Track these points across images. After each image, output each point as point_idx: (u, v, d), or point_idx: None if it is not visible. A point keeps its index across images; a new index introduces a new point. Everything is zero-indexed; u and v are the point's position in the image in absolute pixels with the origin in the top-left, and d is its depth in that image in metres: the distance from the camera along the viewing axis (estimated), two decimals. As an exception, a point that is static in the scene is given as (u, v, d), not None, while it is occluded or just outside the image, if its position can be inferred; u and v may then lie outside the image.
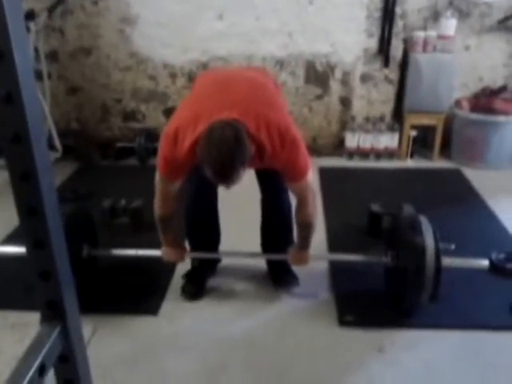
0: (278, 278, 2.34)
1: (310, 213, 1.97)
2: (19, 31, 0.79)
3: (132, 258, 2.59)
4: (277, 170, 1.88)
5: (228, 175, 1.64)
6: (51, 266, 0.89)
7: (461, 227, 2.81)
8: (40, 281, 0.92)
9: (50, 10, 3.58)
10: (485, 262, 2.15)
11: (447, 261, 1.99)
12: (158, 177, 1.90)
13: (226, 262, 2.48)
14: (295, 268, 2.31)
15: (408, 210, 2.21)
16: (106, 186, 3.44)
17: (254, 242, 2.33)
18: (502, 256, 2.49)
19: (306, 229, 2.04)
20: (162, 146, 1.81)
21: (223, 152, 1.59)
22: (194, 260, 2.37)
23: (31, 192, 0.89)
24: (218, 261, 2.46)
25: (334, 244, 2.70)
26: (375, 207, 2.73)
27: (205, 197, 2.20)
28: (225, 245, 2.40)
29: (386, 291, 2.28)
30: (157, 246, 2.69)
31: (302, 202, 1.95)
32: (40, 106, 0.82)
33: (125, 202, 2.81)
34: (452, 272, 2.43)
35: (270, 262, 2.39)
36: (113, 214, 2.79)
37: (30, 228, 0.91)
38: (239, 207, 2.74)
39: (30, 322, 2.02)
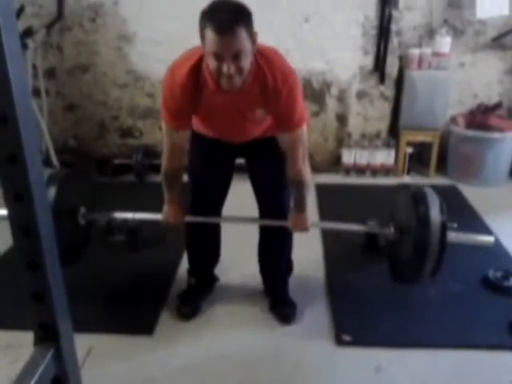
0: (276, 309, 2.27)
1: (299, 169, 1.89)
2: (15, 53, 0.79)
3: (127, 276, 2.58)
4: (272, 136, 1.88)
5: (230, 27, 1.52)
6: (45, 288, 0.88)
7: (457, 244, 2.80)
8: (33, 302, 0.91)
9: (48, 27, 3.61)
10: (490, 239, 2.10)
11: (452, 235, 1.94)
12: (164, 129, 1.88)
13: (223, 281, 2.46)
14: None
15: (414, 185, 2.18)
16: (103, 201, 3.42)
17: (252, 255, 2.33)
18: (499, 274, 2.49)
19: (299, 187, 1.96)
20: (162, 88, 1.81)
21: (225, 1, 1.57)
22: (190, 278, 2.35)
23: (26, 212, 0.89)
24: (214, 280, 2.44)
25: (330, 261, 2.69)
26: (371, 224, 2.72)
27: (206, 223, 2.20)
28: (224, 262, 2.40)
29: (389, 264, 2.25)
30: (154, 263, 2.71)
31: (292, 156, 1.87)
32: (35, 127, 0.82)
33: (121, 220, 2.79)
34: (448, 289, 2.43)
35: (266, 284, 2.36)
36: (109, 231, 2.77)
37: (24, 248, 0.90)
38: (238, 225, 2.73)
39: (25, 342, 1.99)
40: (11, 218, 0.89)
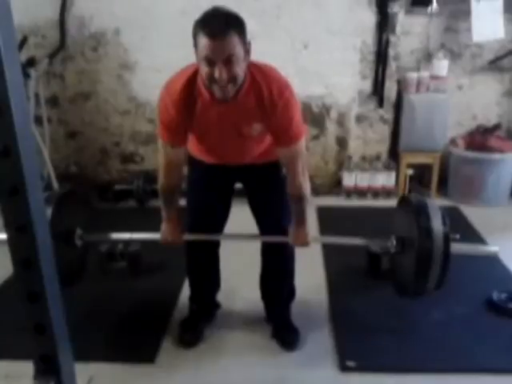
0: (279, 336, 2.24)
1: (299, 183, 1.88)
2: (18, 88, 0.80)
3: (128, 303, 2.56)
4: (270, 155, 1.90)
5: (221, 31, 1.53)
6: (45, 320, 0.88)
7: (460, 266, 2.78)
8: (34, 334, 0.90)
9: (51, 57, 3.67)
10: (495, 248, 2.08)
11: (455, 246, 1.90)
12: (160, 146, 1.88)
13: (224, 307, 2.43)
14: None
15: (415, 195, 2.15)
16: (104, 227, 3.42)
17: (254, 281, 2.31)
18: (503, 296, 2.47)
19: (299, 201, 1.93)
20: (158, 103, 1.81)
21: (218, 10, 1.59)
22: (192, 304, 2.33)
23: (27, 244, 0.89)
24: (216, 307, 2.42)
25: (333, 285, 2.67)
26: (374, 247, 2.71)
27: (205, 249, 2.19)
28: (225, 289, 2.39)
29: (392, 278, 2.22)
30: (155, 290, 2.69)
31: (292, 171, 1.86)
32: (37, 156, 0.83)
33: (122, 246, 2.79)
34: (452, 312, 2.40)
35: (268, 310, 2.34)
36: (110, 258, 2.77)
37: (25, 280, 0.90)
38: (239, 251, 2.72)
39: (25, 373, 1.97)
40: (12, 249, 0.89)
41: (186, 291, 2.47)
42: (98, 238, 2.37)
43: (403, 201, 2.17)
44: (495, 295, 2.46)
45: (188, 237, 2.10)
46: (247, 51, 1.65)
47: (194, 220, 2.12)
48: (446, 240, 1.86)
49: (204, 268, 2.27)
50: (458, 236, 1.95)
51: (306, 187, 1.92)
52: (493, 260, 2.90)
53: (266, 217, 2.12)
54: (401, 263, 2.11)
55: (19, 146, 0.81)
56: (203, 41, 1.56)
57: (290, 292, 2.31)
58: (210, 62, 1.58)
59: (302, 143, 1.84)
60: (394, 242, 2.10)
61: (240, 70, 1.62)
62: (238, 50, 1.59)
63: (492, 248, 2.08)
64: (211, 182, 2.07)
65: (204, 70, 1.61)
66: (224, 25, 1.55)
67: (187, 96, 1.74)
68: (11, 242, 0.90)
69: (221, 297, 2.41)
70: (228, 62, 1.58)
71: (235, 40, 1.57)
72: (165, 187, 1.96)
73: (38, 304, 0.88)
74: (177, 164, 1.91)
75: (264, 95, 1.72)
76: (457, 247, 1.92)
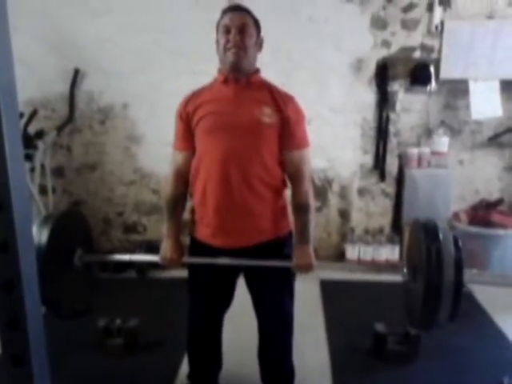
0: None
1: (306, 190, 1.88)
2: (20, 183, 0.81)
3: (125, 382, 2.46)
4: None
5: (240, 9, 1.82)
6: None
7: (468, 348, 2.70)
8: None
9: (59, 129, 3.76)
10: None
11: (469, 274, 1.76)
12: (171, 158, 1.98)
13: (226, 369, 2.30)
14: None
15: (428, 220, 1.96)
16: (103, 300, 3.36)
17: (254, 362, 2.23)
18: (515, 381, 2.36)
19: (303, 213, 1.89)
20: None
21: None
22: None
23: (18, 339, 0.86)
24: (218, 369, 2.26)
25: (337, 366, 2.56)
26: (379, 327, 2.63)
27: (208, 327, 2.11)
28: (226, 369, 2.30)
29: (406, 308, 2.07)
30: (152, 368, 2.59)
31: (298, 177, 1.87)
32: (34, 253, 0.82)
33: (120, 321, 2.72)
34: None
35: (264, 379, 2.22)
36: (107, 334, 2.69)
37: (10, 344, 0.86)
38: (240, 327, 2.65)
39: None
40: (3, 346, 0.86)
41: (184, 370, 2.37)
42: (98, 258, 2.38)
43: (414, 224, 2.04)
44: (506, 381, 2.36)
45: (187, 260, 2.02)
46: (259, 44, 1.86)
47: (192, 340, 2.12)
48: (459, 267, 1.71)
49: (206, 343, 2.14)
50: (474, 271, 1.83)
51: (311, 197, 1.91)
52: (501, 340, 2.82)
53: (266, 298, 2.04)
54: (412, 292, 1.96)
55: (18, 241, 0.81)
56: (224, 18, 1.80)
57: (290, 372, 2.19)
58: (227, 30, 1.78)
59: (309, 153, 1.90)
60: (405, 270, 1.99)
61: (251, 45, 1.80)
62: (252, 29, 1.80)
63: (510, 279, 1.92)
64: (212, 288, 2.01)
65: (221, 42, 1.79)
66: (242, 9, 1.84)
67: (194, 97, 1.90)
68: (2, 337, 0.88)
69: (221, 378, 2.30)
70: (242, 31, 1.77)
71: (250, 21, 1.81)
72: (169, 196, 1.98)
73: (23, 369, 0.84)
74: (183, 172, 1.93)
75: (276, 95, 1.85)
76: (471, 276, 1.80)
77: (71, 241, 2.17)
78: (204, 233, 1.95)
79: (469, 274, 1.77)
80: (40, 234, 1.95)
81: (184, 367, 2.41)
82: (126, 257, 2.35)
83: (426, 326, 1.92)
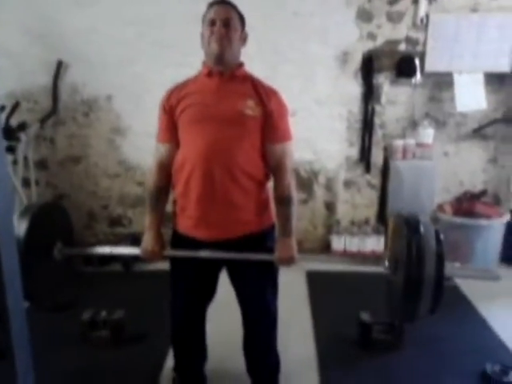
0: None
1: (288, 182, 1.89)
2: (1, 175, 0.79)
3: (111, 374, 2.45)
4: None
5: (225, 2, 1.83)
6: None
7: (452, 336, 2.73)
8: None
9: (42, 122, 3.71)
10: (495, 274, 1.95)
11: (450, 268, 1.76)
12: (154, 150, 1.97)
13: (211, 381, 2.32)
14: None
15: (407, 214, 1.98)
16: (89, 293, 3.34)
17: (240, 354, 2.23)
18: (497, 368, 2.39)
19: (286, 205, 1.89)
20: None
21: None
22: (175, 377, 2.23)
23: (1, 333, 0.85)
24: (203, 380, 2.27)
25: (323, 357, 2.58)
26: (364, 316, 2.65)
27: (191, 319, 2.10)
28: (212, 362, 2.30)
29: (387, 300, 2.09)
30: (138, 361, 2.58)
31: (281, 170, 1.88)
32: (15, 246, 0.80)
33: (105, 313, 2.70)
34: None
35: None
36: (92, 326, 2.67)
37: None
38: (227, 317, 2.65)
39: None
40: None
41: (170, 361, 2.37)
42: (78, 252, 2.34)
43: (397, 217, 2.04)
44: (489, 368, 2.39)
45: (168, 253, 1.99)
46: (243, 38, 1.88)
47: (176, 333, 2.10)
48: (440, 260, 1.73)
49: (190, 334, 2.13)
50: (457, 264, 1.85)
51: (294, 189, 1.92)
52: (484, 328, 2.86)
53: (250, 294, 2.03)
54: (393, 285, 1.98)
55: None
56: (209, 11, 1.83)
57: (275, 363, 2.20)
58: (212, 23, 1.80)
59: (291, 146, 1.91)
60: (387, 264, 2.01)
61: (235, 38, 1.82)
62: (236, 23, 1.83)
63: (492, 273, 1.95)
64: (195, 281, 2.00)
65: (206, 34, 1.81)
66: (229, 3, 1.85)
67: (177, 89, 1.91)
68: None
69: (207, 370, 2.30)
70: (227, 24, 1.79)
71: (235, 16, 1.83)
72: (152, 188, 1.97)
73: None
74: (166, 164, 1.92)
75: (259, 88, 1.86)
76: (452, 269, 1.80)
77: (51, 233, 2.14)
78: (186, 224, 1.93)
79: (450, 267, 1.78)
80: (19, 226, 1.92)
81: (170, 359, 2.40)
82: (106, 249, 2.29)
83: (407, 319, 1.94)
